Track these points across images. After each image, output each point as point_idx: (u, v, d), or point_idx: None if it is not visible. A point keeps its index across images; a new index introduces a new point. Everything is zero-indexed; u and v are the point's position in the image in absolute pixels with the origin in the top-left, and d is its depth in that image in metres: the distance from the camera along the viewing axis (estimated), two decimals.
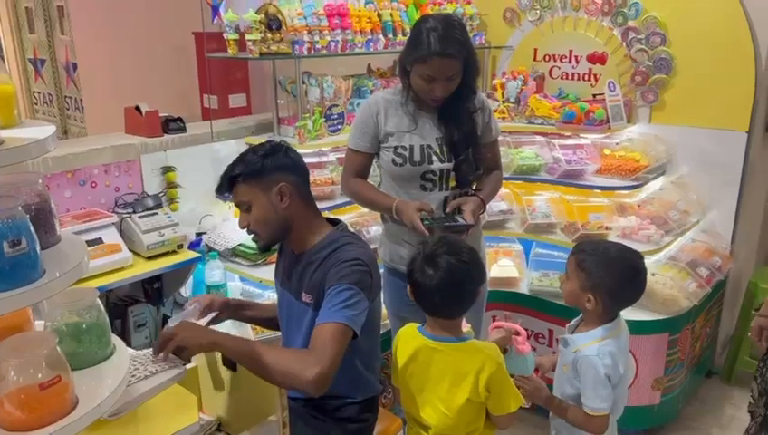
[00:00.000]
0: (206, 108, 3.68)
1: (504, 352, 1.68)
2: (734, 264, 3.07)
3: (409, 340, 1.63)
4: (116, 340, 1.30)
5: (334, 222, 1.74)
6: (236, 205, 1.66)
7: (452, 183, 2.08)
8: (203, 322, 1.68)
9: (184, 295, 2.50)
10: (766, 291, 3.05)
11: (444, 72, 1.92)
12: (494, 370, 1.52)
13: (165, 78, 4.10)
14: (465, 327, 1.68)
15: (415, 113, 2.04)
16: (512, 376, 1.63)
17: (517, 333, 1.73)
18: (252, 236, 1.67)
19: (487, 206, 2.17)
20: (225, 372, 1.64)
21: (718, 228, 3.07)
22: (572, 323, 1.82)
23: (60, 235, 1.22)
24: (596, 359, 1.63)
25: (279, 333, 1.82)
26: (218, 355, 1.62)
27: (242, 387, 1.62)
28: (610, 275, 1.66)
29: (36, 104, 5.12)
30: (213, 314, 1.73)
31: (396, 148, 2.04)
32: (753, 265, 3.41)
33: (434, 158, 2.04)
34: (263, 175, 1.59)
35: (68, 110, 4.74)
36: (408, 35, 2.06)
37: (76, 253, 1.18)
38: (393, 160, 2.05)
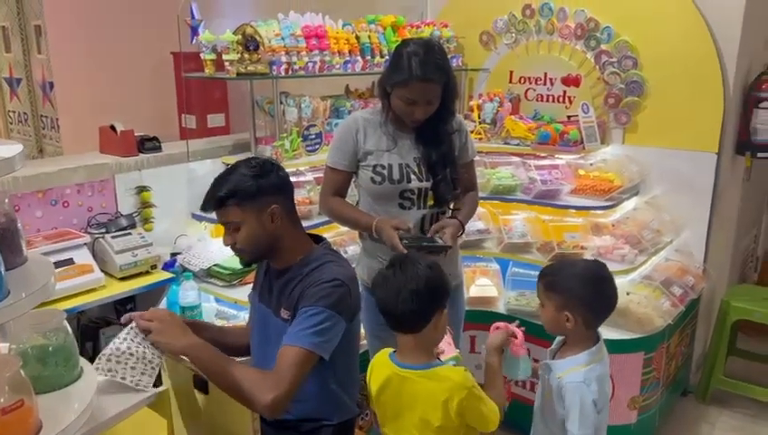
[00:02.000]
0: (184, 128, 3.68)
1: (502, 352, 1.70)
2: (706, 283, 3.11)
3: (382, 368, 1.61)
4: (84, 362, 1.28)
5: (317, 239, 1.73)
6: (223, 224, 1.63)
7: (430, 202, 2.10)
8: None
9: None
10: (739, 309, 3.10)
11: (424, 96, 1.95)
12: (462, 396, 1.48)
13: (143, 98, 4.08)
14: (454, 352, 1.66)
15: (394, 133, 2.07)
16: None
17: (515, 336, 1.72)
18: (237, 252, 1.65)
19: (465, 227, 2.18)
20: (196, 396, 1.61)
21: (691, 248, 3.12)
22: (553, 347, 1.82)
23: (26, 256, 1.20)
24: (583, 386, 1.63)
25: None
26: (190, 378, 1.59)
27: (214, 411, 1.59)
28: (581, 287, 1.67)
29: (11, 124, 5.05)
30: None
31: (375, 166, 2.06)
32: (726, 283, 3.47)
33: (412, 177, 2.06)
34: (256, 198, 1.57)
35: (44, 129, 4.68)
36: (389, 59, 2.09)
37: (43, 274, 1.16)
38: (372, 179, 2.06)
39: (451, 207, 2.16)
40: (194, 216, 2.64)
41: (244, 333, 1.83)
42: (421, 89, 1.93)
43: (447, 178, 2.08)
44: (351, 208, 2.15)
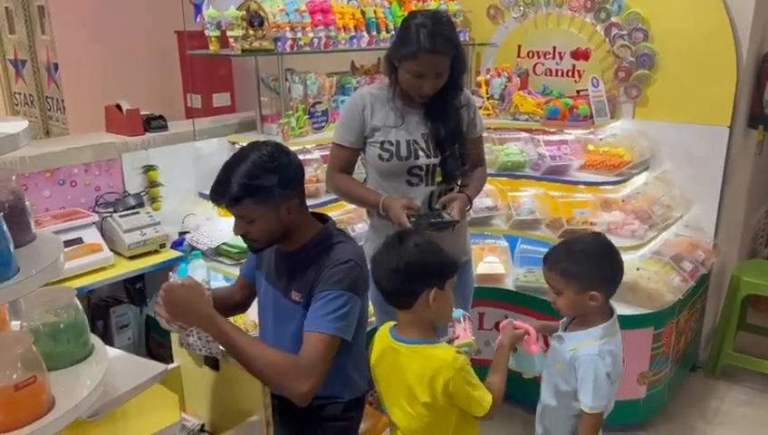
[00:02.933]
0: (190, 107, 3.66)
1: (515, 350, 1.71)
2: (717, 257, 3.09)
3: (381, 340, 1.64)
4: (95, 339, 1.29)
5: (323, 218, 1.72)
6: (236, 216, 1.58)
7: (438, 178, 2.08)
8: None
9: None
10: (749, 284, 3.08)
11: (433, 69, 1.92)
12: (450, 376, 1.47)
13: (148, 78, 4.05)
14: (469, 338, 1.65)
15: (402, 109, 2.04)
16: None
17: (527, 333, 1.72)
18: (248, 242, 1.62)
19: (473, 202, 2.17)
20: (207, 373, 1.62)
21: (701, 223, 3.09)
22: (565, 319, 1.82)
23: (35, 233, 1.20)
24: (597, 358, 1.63)
25: None
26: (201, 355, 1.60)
27: (225, 387, 1.60)
28: (598, 263, 1.67)
29: (17, 105, 5.05)
30: None
31: (382, 143, 2.04)
32: (736, 258, 3.44)
33: (420, 153, 2.04)
34: (275, 196, 1.52)
35: (49, 111, 4.68)
36: (396, 31, 2.06)
37: (52, 251, 1.16)
38: (380, 155, 2.04)
39: (459, 183, 2.15)
40: (201, 195, 2.64)
41: (229, 294, 1.84)
42: (430, 61, 1.90)
43: (456, 154, 2.07)
44: (358, 186, 2.14)
